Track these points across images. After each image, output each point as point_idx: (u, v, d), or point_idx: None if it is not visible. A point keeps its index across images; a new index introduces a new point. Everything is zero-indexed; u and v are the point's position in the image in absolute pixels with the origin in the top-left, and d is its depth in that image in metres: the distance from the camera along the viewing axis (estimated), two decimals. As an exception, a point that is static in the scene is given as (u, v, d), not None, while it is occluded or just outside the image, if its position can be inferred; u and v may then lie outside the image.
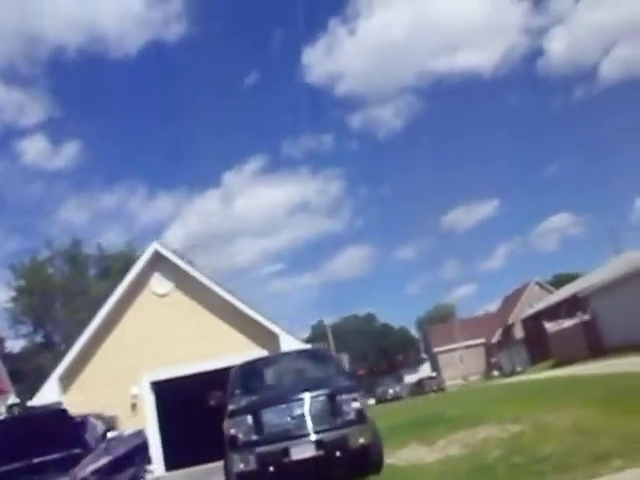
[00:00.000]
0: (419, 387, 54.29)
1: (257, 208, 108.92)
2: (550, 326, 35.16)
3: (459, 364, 68.30)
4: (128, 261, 37.67)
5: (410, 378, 72.02)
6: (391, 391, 50.04)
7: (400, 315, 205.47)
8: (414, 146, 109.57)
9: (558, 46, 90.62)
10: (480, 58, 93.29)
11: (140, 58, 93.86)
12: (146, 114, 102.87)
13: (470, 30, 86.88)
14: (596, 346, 30.27)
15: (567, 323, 32.65)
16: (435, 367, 70.64)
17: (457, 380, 62.94)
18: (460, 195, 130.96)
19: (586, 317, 31.30)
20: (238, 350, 15.56)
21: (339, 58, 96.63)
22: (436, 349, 69.45)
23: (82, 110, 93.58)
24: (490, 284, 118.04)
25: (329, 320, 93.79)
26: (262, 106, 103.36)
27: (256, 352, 16.06)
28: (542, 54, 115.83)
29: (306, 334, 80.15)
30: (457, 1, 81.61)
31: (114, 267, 46.04)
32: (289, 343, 16.17)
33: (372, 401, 48.28)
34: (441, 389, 51.60)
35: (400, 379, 72.64)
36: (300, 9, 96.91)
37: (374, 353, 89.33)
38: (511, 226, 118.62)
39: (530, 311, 49.89)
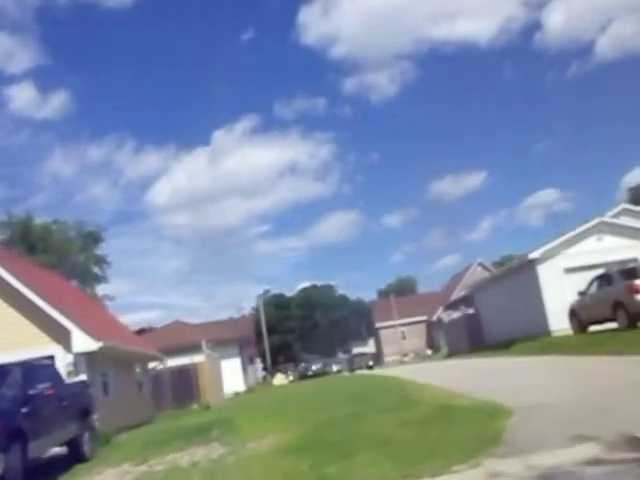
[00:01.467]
0: (349, 363, 55.14)
1: (246, 168, 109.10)
2: (445, 315, 35.71)
3: (401, 340, 69.32)
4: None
5: (356, 352, 73.23)
6: (314, 367, 50.65)
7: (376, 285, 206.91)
8: (407, 113, 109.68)
9: (556, 20, 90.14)
10: (478, 28, 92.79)
11: (133, 9, 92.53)
12: (137, 68, 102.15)
13: None
14: (476, 341, 30.81)
15: (456, 314, 33.18)
16: (377, 343, 71.57)
17: (395, 357, 64.06)
18: (449, 165, 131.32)
19: (470, 311, 31.81)
20: (27, 344, 15.81)
21: (336, 20, 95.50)
22: (378, 324, 70.20)
23: (72, 60, 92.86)
24: (473, 256, 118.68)
25: (305, 283, 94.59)
26: (256, 65, 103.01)
27: (50, 348, 16.40)
28: (540, 27, 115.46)
29: (252, 303, 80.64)
30: None
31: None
32: (82, 339, 16.44)
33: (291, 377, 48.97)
34: (370, 367, 52.37)
35: (348, 352, 73.79)
36: None
37: (327, 325, 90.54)
38: (498, 199, 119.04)
39: (454, 296, 50.51)
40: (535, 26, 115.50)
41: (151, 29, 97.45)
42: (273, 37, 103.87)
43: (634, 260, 24.06)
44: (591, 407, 7.23)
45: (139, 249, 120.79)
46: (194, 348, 33.03)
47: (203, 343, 25.99)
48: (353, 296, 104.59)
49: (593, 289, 20.38)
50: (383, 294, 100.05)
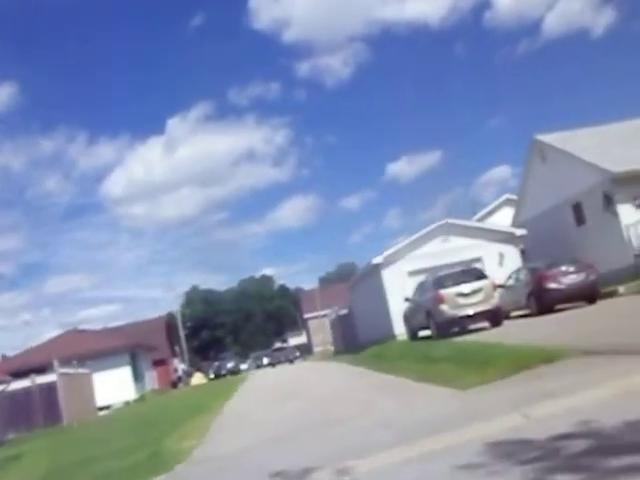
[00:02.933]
0: (270, 358, 54.84)
1: (202, 156, 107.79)
2: (331, 312, 35.59)
3: (328, 330, 69.52)
4: None
5: (292, 342, 73.13)
6: (229, 365, 50.14)
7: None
8: (361, 95, 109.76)
9: None
10: (428, 8, 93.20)
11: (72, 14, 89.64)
12: (87, 57, 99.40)
13: None
14: (351, 341, 30.70)
15: (326, 312, 33.02)
16: (308, 333, 71.57)
17: (322, 348, 64.17)
18: (405, 145, 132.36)
19: (344, 311, 31.70)
20: None
21: (287, 3, 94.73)
22: (306, 315, 70.13)
23: (19, 51, 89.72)
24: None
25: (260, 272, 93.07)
26: (207, 51, 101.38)
27: None
28: (489, 6, 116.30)
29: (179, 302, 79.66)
30: None
31: None
32: None
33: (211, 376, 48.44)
34: (290, 361, 52.11)
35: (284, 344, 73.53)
36: None
37: (264, 317, 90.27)
38: (453, 177, 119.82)
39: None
40: (484, 5, 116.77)
41: (99, 17, 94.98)
42: (224, 22, 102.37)
43: (477, 260, 24.20)
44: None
45: (96, 242, 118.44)
46: (85, 358, 32.55)
47: (55, 362, 25.24)
48: (294, 285, 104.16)
49: (417, 296, 20.38)
50: (324, 282, 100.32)
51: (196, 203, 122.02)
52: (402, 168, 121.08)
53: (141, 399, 37.18)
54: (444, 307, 17.84)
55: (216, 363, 51.06)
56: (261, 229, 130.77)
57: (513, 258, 24.54)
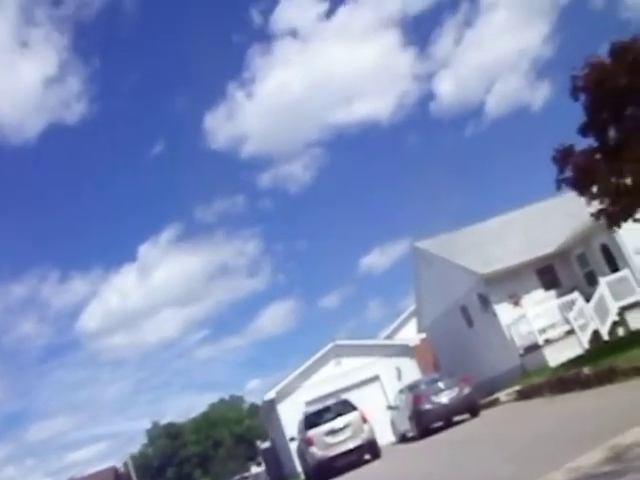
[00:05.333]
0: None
1: (176, 278, 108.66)
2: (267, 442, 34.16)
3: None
4: None
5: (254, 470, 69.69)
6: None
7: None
8: (325, 197, 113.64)
9: (446, 88, 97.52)
10: (376, 107, 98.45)
11: (41, 142, 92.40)
12: (53, 197, 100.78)
13: (364, 81, 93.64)
14: (277, 473, 29.34)
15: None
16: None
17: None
18: (375, 238, 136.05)
19: (266, 444, 30.42)
20: None
21: (241, 121, 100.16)
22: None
23: None
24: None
25: (213, 398, 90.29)
26: (171, 175, 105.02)
27: None
28: (433, 97, 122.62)
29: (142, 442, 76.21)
30: (348, 54, 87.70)
31: None
32: None
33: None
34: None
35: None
36: (196, 76, 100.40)
37: (234, 441, 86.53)
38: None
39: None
40: (429, 96, 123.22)
41: (58, 155, 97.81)
42: (183, 147, 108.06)
43: (374, 378, 23.58)
44: None
45: (76, 380, 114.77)
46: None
47: None
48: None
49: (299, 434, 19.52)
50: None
51: (176, 324, 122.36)
52: (376, 259, 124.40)
53: None
54: (314, 449, 17.05)
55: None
56: (243, 341, 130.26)
57: (411, 371, 23.94)
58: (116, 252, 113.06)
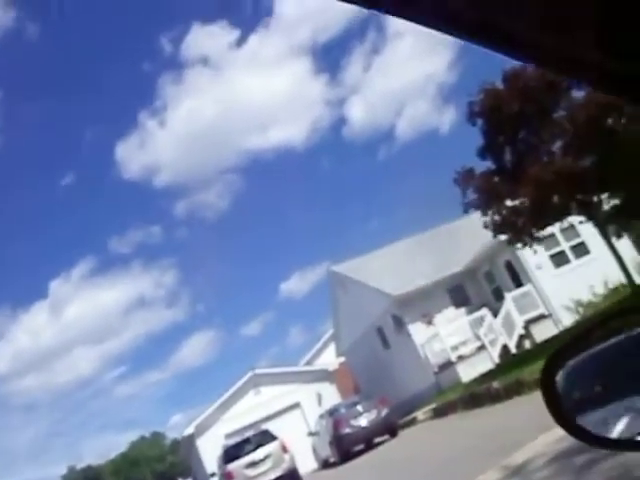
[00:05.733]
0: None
1: (91, 313, 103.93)
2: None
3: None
4: None
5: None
6: None
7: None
8: (243, 223, 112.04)
9: (357, 113, 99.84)
10: (290, 132, 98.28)
11: None
12: None
13: (277, 107, 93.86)
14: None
15: None
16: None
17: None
18: (293, 263, 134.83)
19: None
20: None
21: (153, 150, 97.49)
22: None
23: None
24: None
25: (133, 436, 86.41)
26: (82, 208, 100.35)
27: None
28: (345, 122, 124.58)
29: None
30: (260, 81, 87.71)
31: None
32: None
33: None
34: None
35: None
36: (107, 105, 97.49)
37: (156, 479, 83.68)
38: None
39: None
40: (341, 121, 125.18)
41: None
42: (94, 178, 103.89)
43: (295, 405, 23.36)
44: None
45: None
46: None
47: None
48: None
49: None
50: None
51: (91, 362, 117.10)
52: (295, 285, 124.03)
53: None
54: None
55: None
56: (163, 375, 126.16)
57: (331, 395, 23.93)
58: (25, 290, 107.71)
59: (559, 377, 1.29)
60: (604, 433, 1.29)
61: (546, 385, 1.28)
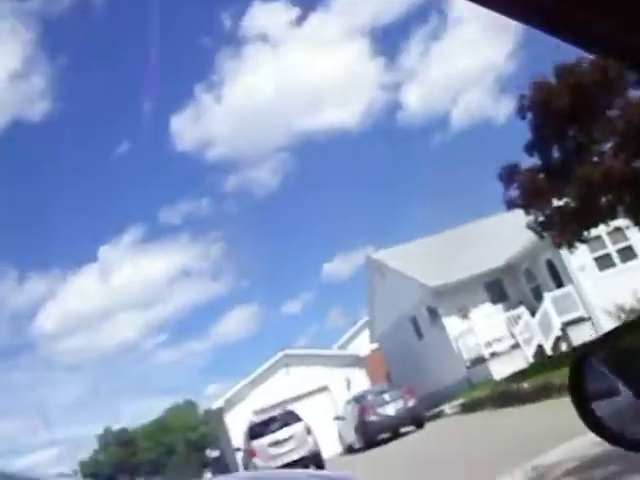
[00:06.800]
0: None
1: (137, 280, 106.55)
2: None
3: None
4: None
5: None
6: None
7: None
8: (291, 202, 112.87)
9: (413, 98, 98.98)
10: (344, 115, 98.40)
11: (2, 138, 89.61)
12: (13, 195, 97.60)
13: (332, 88, 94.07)
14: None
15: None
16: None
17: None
18: (338, 245, 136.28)
19: (216, 452, 30.15)
20: None
21: (208, 124, 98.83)
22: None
23: None
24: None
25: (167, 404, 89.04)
26: (135, 176, 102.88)
27: None
28: (400, 107, 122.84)
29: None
30: (317, 61, 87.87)
31: None
32: None
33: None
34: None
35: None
36: (164, 78, 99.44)
37: (188, 448, 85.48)
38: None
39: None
40: (396, 106, 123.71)
41: (19, 152, 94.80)
42: (148, 148, 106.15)
43: (323, 389, 23.49)
44: None
45: (30, 383, 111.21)
46: None
47: None
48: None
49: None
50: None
51: (135, 328, 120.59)
52: (338, 267, 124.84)
53: None
54: (256, 461, 16.89)
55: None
56: (204, 346, 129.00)
57: (361, 381, 23.95)
58: (77, 252, 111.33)
59: (587, 377, 1.25)
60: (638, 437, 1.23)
61: (574, 387, 1.25)
